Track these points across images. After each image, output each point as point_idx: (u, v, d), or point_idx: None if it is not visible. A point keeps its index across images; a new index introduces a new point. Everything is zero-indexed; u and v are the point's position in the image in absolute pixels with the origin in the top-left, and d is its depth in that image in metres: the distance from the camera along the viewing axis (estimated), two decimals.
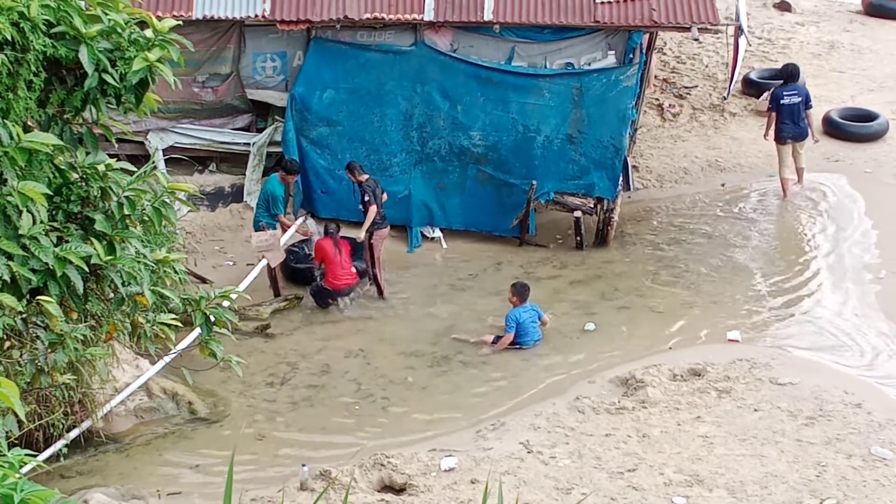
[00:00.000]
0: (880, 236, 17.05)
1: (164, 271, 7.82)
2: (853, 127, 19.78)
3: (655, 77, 20.71)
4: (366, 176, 15.96)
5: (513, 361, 14.42)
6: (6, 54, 7.20)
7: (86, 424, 12.35)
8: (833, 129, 19.81)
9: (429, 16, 16.53)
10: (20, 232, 6.89)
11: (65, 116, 7.83)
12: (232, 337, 8.48)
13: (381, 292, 15.88)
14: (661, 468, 11.56)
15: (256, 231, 15.82)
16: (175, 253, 8.08)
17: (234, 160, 17.73)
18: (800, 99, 18.11)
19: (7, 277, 6.81)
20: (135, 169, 7.80)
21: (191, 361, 12.05)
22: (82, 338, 7.77)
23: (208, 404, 13.48)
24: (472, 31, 16.90)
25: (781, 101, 18.09)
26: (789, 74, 18.45)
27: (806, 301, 15.62)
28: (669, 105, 20.51)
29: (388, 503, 11.18)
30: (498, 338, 14.69)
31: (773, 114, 18.18)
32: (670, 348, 14.41)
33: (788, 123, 18.10)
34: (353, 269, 15.67)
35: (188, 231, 16.44)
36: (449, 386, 14.01)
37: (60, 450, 11.87)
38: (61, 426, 11.78)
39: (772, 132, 18.26)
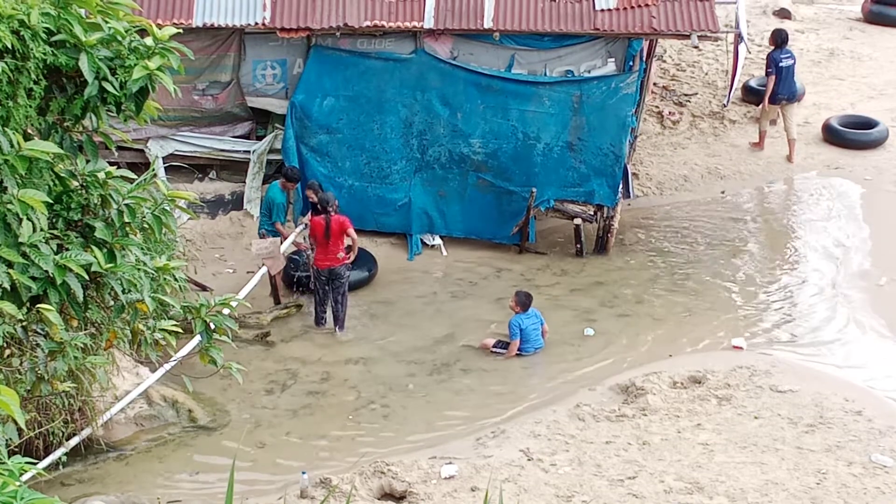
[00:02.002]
0: (881, 243, 17.05)
1: (165, 279, 7.82)
2: (853, 134, 19.80)
3: (655, 84, 20.72)
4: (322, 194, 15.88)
5: (513, 369, 14.42)
6: (6, 62, 7.21)
7: (86, 432, 12.33)
8: (833, 136, 19.84)
9: (429, 23, 16.53)
10: (20, 240, 6.89)
11: (65, 124, 7.84)
12: (232, 344, 8.49)
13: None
14: (661, 476, 11.56)
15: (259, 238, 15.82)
16: (175, 260, 8.07)
17: (234, 168, 17.74)
18: (793, 61, 19.29)
19: (7, 285, 6.81)
20: (135, 177, 7.81)
21: (191, 369, 12.02)
22: (82, 346, 7.77)
23: (208, 412, 13.48)
24: (472, 39, 16.90)
25: (780, 65, 19.08)
26: (783, 39, 19.34)
27: (806, 308, 15.62)
28: (669, 112, 20.53)
29: None
30: (499, 342, 14.69)
31: (773, 77, 19.09)
32: (670, 356, 14.40)
33: (784, 85, 19.12)
34: (340, 255, 15.16)
35: (188, 239, 16.43)
36: (449, 393, 14.00)
37: (60, 458, 11.85)
38: (61, 434, 11.77)
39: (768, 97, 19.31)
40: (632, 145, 18.14)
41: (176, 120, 17.19)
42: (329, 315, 15.39)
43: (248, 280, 15.39)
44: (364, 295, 16.13)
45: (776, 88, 19.08)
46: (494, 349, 14.70)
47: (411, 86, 17.00)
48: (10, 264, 6.84)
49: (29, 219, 6.91)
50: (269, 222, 15.94)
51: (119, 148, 11.57)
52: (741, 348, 14.40)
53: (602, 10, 16.41)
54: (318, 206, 15.48)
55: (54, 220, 7.46)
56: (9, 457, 5.43)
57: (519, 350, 14.56)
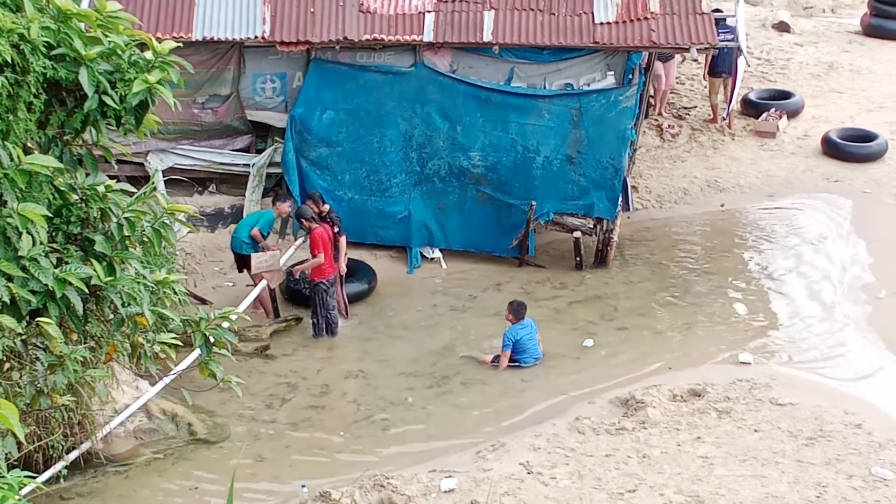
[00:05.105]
0: (880, 257, 17.04)
1: (164, 292, 7.82)
2: (852, 147, 19.82)
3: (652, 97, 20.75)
4: (327, 207, 15.96)
5: (512, 382, 14.40)
6: (6, 76, 7.22)
7: (85, 446, 12.33)
8: (832, 149, 19.86)
9: (428, 37, 16.56)
10: (20, 253, 6.90)
11: (65, 138, 7.86)
12: (231, 358, 8.49)
13: (346, 313, 15.92)
14: (661, 489, 11.54)
15: (256, 252, 15.81)
16: (175, 274, 8.08)
17: (233, 181, 17.74)
18: (731, 37, 19.54)
19: (7, 299, 6.81)
20: (135, 190, 7.82)
21: (190, 382, 12.04)
22: (82, 359, 7.77)
23: (208, 425, 13.46)
24: (472, 52, 16.92)
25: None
26: (720, 20, 19.59)
27: (806, 320, 15.60)
28: (668, 125, 20.55)
29: None
30: (497, 356, 14.67)
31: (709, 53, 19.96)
32: (670, 369, 14.39)
33: (722, 60, 19.94)
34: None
35: (188, 252, 16.45)
36: (449, 406, 13.98)
37: (60, 471, 11.83)
38: (61, 448, 11.76)
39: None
40: (631, 158, 18.16)
41: (176, 133, 17.21)
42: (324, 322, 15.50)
43: (248, 293, 15.41)
44: (364, 308, 16.13)
45: (715, 62, 20.11)
46: (493, 364, 14.68)
47: (411, 99, 17.02)
48: (9, 278, 6.85)
49: (29, 232, 6.92)
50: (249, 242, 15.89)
51: (119, 161, 11.59)
52: (749, 363, 14.31)
53: (601, 24, 16.44)
54: (325, 215, 15.63)
55: (54, 234, 7.47)
56: (8, 470, 5.43)
57: (517, 361, 14.53)
